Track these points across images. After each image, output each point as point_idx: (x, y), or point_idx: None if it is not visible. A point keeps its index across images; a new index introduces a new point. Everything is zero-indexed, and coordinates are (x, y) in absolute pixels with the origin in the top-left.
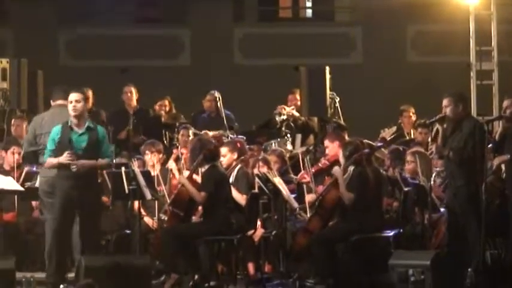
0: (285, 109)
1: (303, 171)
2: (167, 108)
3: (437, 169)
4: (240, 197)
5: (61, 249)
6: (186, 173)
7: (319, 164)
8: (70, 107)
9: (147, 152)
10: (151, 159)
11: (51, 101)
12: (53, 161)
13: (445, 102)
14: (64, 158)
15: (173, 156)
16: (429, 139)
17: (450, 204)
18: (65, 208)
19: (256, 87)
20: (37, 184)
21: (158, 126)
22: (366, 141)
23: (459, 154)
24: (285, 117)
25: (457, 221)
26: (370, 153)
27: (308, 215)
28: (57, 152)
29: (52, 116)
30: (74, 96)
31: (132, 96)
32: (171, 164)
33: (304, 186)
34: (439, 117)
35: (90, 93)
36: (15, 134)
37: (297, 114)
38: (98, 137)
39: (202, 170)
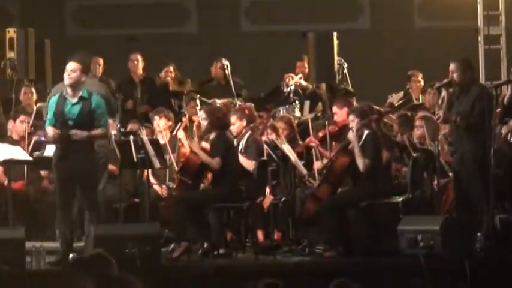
0: (292, 78)
1: (311, 136)
2: (172, 75)
3: (442, 133)
4: (249, 163)
5: (62, 221)
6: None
7: (328, 129)
8: (65, 75)
9: (155, 117)
10: (160, 123)
11: None
12: (49, 131)
13: (452, 67)
14: (51, 132)
15: (182, 125)
16: (439, 102)
17: (457, 169)
18: (63, 181)
19: (263, 54)
20: (46, 153)
21: (166, 94)
22: (373, 106)
23: (466, 119)
24: (292, 87)
25: (464, 186)
26: (378, 118)
27: (317, 182)
28: (54, 122)
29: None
30: (70, 65)
31: (138, 64)
32: (180, 133)
33: (313, 152)
34: (446, 82)
35: (101, 61)
36: (24, 103)
37: (304, 83)
38: (91, 106)
39: (211, 137)
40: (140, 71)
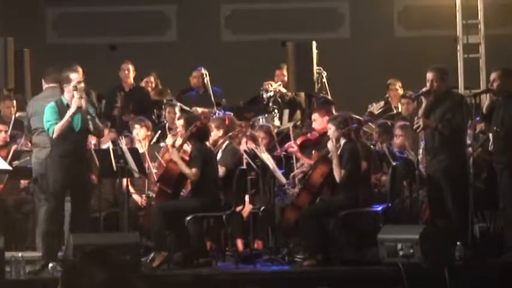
0: (271, 85)
1: (290, 142)
2: (153, 85)
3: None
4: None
5: (55, 229)
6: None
7: (308, 135)
8: (78, 86)
9: (136, 125)
10: (139, 133)
11: (44, 82)
12: (61, 122)
13: (429, 76)
14: (74, 103)
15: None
16: (419, 113)
17: (435, 177)
18: (60, 188)
19: (243, 63)
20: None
21: (146, 103)
22: (353, 115)
23: (449, 126)
24: (271, 93)
25: (441, 194)
26: (359, 127)
27: (296, 190)
28: None
29: (45, 98)
30: (80, 76)
31: (130, 73)
32: (169, 140)
33: (294, 161)
34: (425, 91)
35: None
36: (4, 113)
37: (283, 90)
38: (88, 113)
39: (189, 147)
40: (131, 80)
